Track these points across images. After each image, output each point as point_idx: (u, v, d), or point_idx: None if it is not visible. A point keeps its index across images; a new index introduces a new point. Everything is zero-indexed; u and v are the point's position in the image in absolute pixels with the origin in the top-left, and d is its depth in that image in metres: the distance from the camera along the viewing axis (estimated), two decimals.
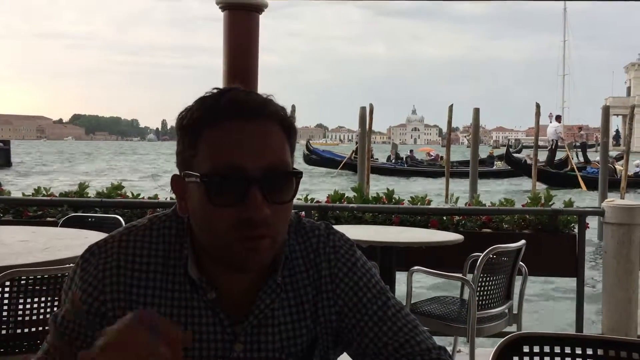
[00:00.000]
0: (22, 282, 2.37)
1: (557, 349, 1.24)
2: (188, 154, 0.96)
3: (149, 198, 4.95)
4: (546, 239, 4.42)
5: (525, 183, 22.46)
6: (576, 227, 4.41)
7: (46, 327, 2.37)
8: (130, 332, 0.76)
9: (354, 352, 1.07)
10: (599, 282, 5.15)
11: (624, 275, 4.09)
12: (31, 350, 2.41)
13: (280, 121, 0.97)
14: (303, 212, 4.31)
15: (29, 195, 4.83)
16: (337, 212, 4.59)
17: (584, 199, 15.84)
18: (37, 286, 2.40)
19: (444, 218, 4.55)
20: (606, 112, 16.25)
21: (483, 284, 3.18)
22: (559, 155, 23.86)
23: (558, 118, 23.81)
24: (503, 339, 1.25)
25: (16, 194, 5.18)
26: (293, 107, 11.32)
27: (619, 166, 21.14)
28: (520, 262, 3.34)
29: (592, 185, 17.01)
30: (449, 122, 20.68)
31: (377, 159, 30.43)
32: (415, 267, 3.38)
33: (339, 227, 1.15)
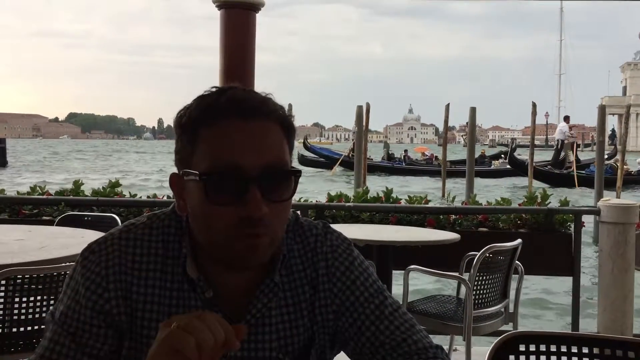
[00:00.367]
0: (18, 281, 2.37)
1: (553, 348, 1.24)
2: (186, 153, 0.96)
3: (147, 197, 4.94)
4: (542, 238, 4.43)
5: (526, 182, 22.60)
6: (572, 226, 4.42)
7: (43, 326, 2.37)
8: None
9: (351, 351, 1.07)
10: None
11: (619, 274, 4.10)
12: (27, 349, 2.41)
13: (279, 120, 0.97)
14: (300, 211, 4.31)
15: (25, 194, 4.81)
16: (333, 212, 4.59)
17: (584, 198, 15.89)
18: (33, 285, 2.40)
19: (441, 217, 4.55)
20: (602, 111, 16.30)
21: (479, 282, 3.19)
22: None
23: (566, 119, 23.92)
24: (499, 338, 1.25)
25: (11, 192, 5.17)
26: (290, 106, 11.34)
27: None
28: (517, 261, 3.35)
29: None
30: (446, 121, 20.71)
31: (371, 158, 30.50)
32: (412, 266, 3.39)
33: (335, 227, 1.15)
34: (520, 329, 3.05)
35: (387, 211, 4.56)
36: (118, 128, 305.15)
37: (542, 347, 1.24)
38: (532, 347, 1.24)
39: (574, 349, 1.24)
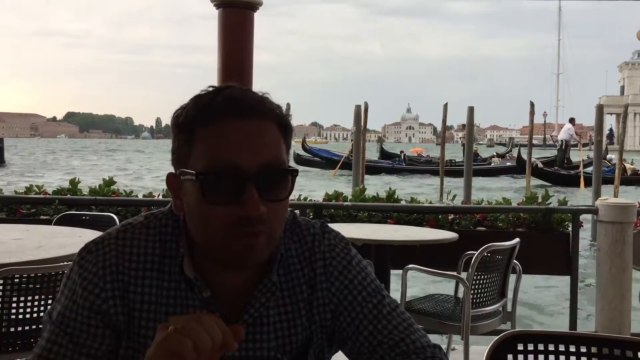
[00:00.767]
0: (16, 280, 2.37)
1: (551, 347, 1.24)
2: (183, 152, 0.96)
3: (144, 196, 4.94)
4: (540, 237, 4.43)
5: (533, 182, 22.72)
6: (570, 225, 4.43)
7: (40, 326, 2.37)
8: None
9: (349, 351, 1.07)
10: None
11: (617, 273, 4.11)
12: (25, 349, 2.41)
13: (276, 119, 0.97)
14: (298, 211, 4.31)
15: (22, 193, 4.81)
16: (332, 211, 4.59)
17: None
18: (31, 284, 2.39)
19: (439, 216, 4.56)
20: (600, 111, 16.32)
21: (477, 282, 3.19)
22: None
23: (572, 120, 24.03)
24: (497, 337, 1.25)
25: (9, 191, 5.16)
26: (288, 105, 11.30)
27: (628, 164, 21.29)
28: (515, 260, 3.35)
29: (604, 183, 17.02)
30: (444, 121, 20.73)
31: (375, 160, 30.60)
32: (410, 265, 3.39)
33: (334, 226, 1.15)
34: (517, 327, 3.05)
35: (385, 210, 4.56)
36: (116, 127, 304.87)
37: (541, 346, 1.24)
38: (531, 346, 1.24)
39: (572, 348, 1.24)
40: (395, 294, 2.40)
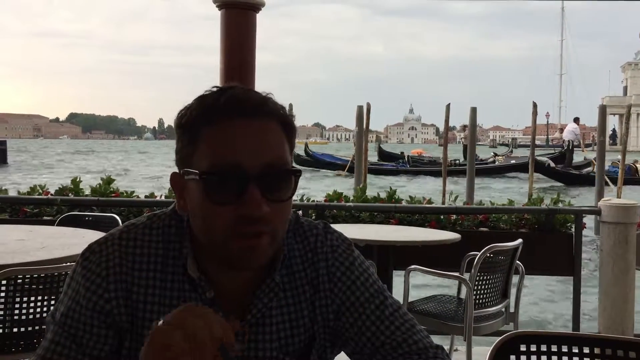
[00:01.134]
0: (19, 281, 2.37)
1: (553, 348, 1.24)
2: (187, 152, 0.97)
3: (146, 197, 4.94)
4: (543, 238, 4.43)
5: (544, 181, 22.73)
6: (573, 226, 4.42)
7: (43, 326, 2.37)
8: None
9: (352, 351, 1.07)
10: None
11: (620, 274, 4.10)
12: (28, 349, 2.41)
13: (279, 119, 0.97)
14: (300, 211, 4.31)
15: (25, 194, 4.81)
16: (334, 212, 4.59)
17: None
18: (33, 285, 2.40)
19: (442, 217, 4.55)
20: (603, 111, 16.26)
21: (480, 282, 3.19)
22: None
23: (576, 120, 23.98)
24: (500, 338, 1.25)
25: (13, 192, 5.17)
26: (290, 105, 11.33)
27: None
28: (517, 261, 3.35)
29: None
30: (446, 121, 20.65)
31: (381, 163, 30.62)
32: (413, 266, 3.39)
33: (336, 227, 1.15)
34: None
35: (387, 211, 4.56)
36: (119, 128, 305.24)
37: (543, 347, 1.24)
38: (533, 347, 1.24)
39: (575, 349, 1.24)
40: (397, 294, 2.40)
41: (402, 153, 33.37)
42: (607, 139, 21.09)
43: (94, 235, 2.61)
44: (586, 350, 1.24)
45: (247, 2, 3.63)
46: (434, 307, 3.36)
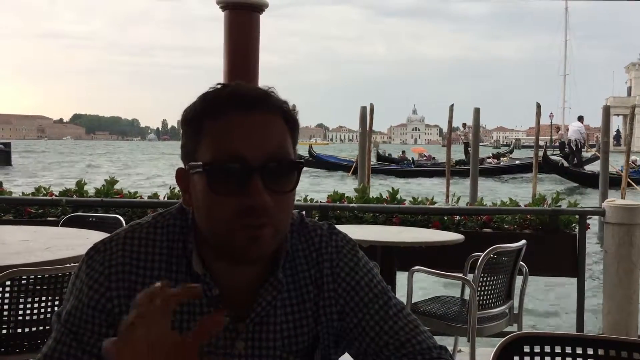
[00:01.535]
0: (23, 281, 2.38)
1: (557, 349, 1.24)
2: (191, 146, 0.98)
3: (149, 197, 4.95)
4: (547, 239, 4.42)
5: (559, 181, 22.72)
6: (577, 227, 4.41)
7: (47, 327, 2.38)
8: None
9: (355, 352, 1.08)
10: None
11: (624, 275, 4.09)
12: (32, 350, 2.42)
13: (281, 113, 0.99)
14: (304, 212, 4.30)
15: (30, 195, 4.83)
16: (338, 212, 4.59)
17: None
18: (37, 286, 2.40)
19: (445, 218, 4.55)
20: (607, 112, 16.24)
21: (484, 283, 3.18)
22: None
23: (580, 118, 23.88)
24: (504, 339, 1.25)
25: (17, 193, 5.18)
26: (293, 106, 11.30)
27: None
28: (521, 262, 3.34)
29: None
30: (450, 122, 20.66)
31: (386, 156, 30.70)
32: (416, 267, 3.38)
33: (339, 227, 1.15)
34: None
35: (391, 212, 4.55)
36: (122, 129, 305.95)
37: (547, 348, 1.24)
38: (537, 348, 1.24)
39: (579, 350, 1.24)
40: (401, 295, 2.39)
41: (403, 152, 33.36)
42: (611, 139, 21.03)
43: (98, 236, 2.62)
44: (590, 351, 1.24)
45: (250, 3, 3.63)
46: (437, 308, 3.35)
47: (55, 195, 4.77)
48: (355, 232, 3.50)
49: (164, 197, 4.89)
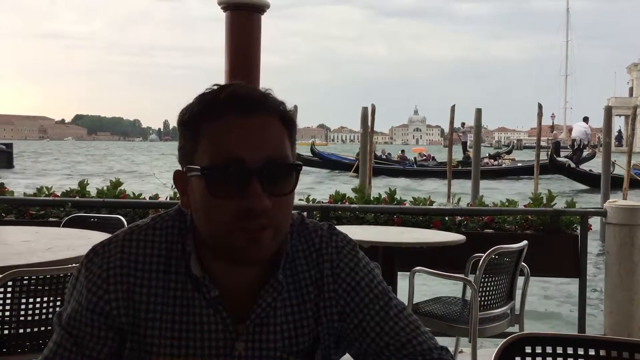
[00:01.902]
0: (25, 282, 2.38)
1: (559, 350, 1.24)
2: (189, 149, 0.98)
3: (150, 198, 4.96)
4: (548, 240, 4.41)
5: (567, 183, 22.71)
6: (578, 227, 4.40)
7: (49, 327, 2.38)
8: None
9: (356, 353, 1.07)
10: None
11: (626, 275, 4.08)
12: (34, 350, 2.42)
13: (279, 114, 0.98)
14: (305, 212, 4.30)
15: (31, 195, 4.83)
16: (338, 213, 4.59)
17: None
18: (39, 286, 2.40)
19: (446, 218, 4.54)
20: (608, 112, 16.23)
21: (485, 284, 3.18)
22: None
23: (586, 119, 23.87)
24: (505, 340, 1.25)
25: (18, 193, 5.19)
26: (295, 107, 11.25)
27: None
28: (523, 263, 3.34)
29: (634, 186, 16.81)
30: (451, 123, 20.66)
31: (385, 156, 30.70)
32: (417, 268, 3.38)
33: (340, 228, 1.15)
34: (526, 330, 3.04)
35: (392, 212, 4.55)
36: (124, 130, 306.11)
37: (549, 349, 1.24)
38: (539, 349, 1.24)
39: (580, 351, 1.24)
40: (402, 296, 2.39)
41: (402, 152, 33.39)
42: (613, 140, 21.00)
43: (100, 237, 2.62)
44: (591, 352, 1.24)
45: (251, 4, 3.64)
46: (438, 309, 3.35)
47: (57, 196, 4.78)
48: (356, 232, 3.49)
49: (166, 198, 4.89)
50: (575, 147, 23.42)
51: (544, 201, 4.79)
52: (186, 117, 0.98)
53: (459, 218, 4.56)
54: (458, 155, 30.39)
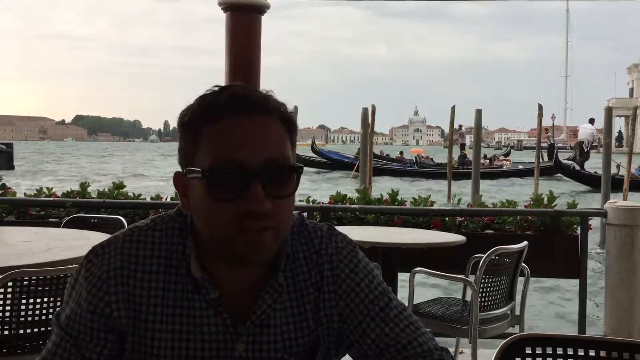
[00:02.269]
0: (25, 282, 2.38)
1: (559, 351, 1.24)
2: (189, 151, 0.97)
3: (151, 199, 4.96)
4: (549, 240, 4.41)
5: (567, 184, 22.73)
6: (579, 228, 4.40)
7: (49, 328, 2.38)
8: None
9: (356, 354, 1.07)
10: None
11: (626, 276, 4.08)
12: (34, 351, 2.42)
13: (279, 116, 0.98)
14: (305, 213, 4.30)
15: (32, 196, 4.83)
16: (339, 213, 4.59)
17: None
18: (39, 287, 2.40)
19: (446, 219, 4.54)
20: (609, 113, 16.25)
21: (485, 285, 3.18)
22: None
23: (591, 121, 23.93)
24: (505, 340, 1.24)
25: (19, 194, 5.19)
26: (295, 108, 11.22)
27: None
28: (523, 264, 3.34)
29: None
30: (451, 123, 20.70)
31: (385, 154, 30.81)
32: (417, 268, 3.38)
33: (341, 228, 1.15)
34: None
35: (392, 213, 4.55)
36: (124, 130, 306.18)
37: (549, 350, 1.24)
38: (539, 350, 1.24)
39: (581, 352, 1.24)
40: (402, 297, 2.39)
41: (401, 153, 33.41)
42: (613, 140, 21.00)
43: (100, 237, 2.62)
44: (592, 353, 1.23)
45: (252, 4, 3.63)
46: (439, 310, 3.35)
47: (58, 197, 4.78)
48: (357, 233, 3.49)
49: (167, 199, 4.89)
50: (585, 149, 23.44)
51: (545, 202, 4.79)
52: (186, 119, 0.98)
53: (459, 219, 4.56)
54: (457, 155, 30.40)
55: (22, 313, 2.41)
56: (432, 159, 32.89)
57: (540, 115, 18.18)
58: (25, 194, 5.00)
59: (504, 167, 29.34)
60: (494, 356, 1.23)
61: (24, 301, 2.40)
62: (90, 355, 0.99)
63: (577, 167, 22.48)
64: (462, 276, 3.46)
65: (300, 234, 1.09)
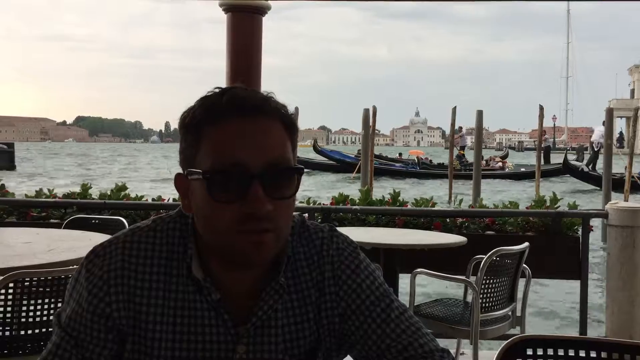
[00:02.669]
0: (26, 283, 2.38)
1: (560, 352, 1.23)
2: (190, 152, 0.98)
3: (153, 200, 4.96)
4: (550, 242, 4.41)
5: (571, 184, 22.71)
6: (580, 229, 4.40)
7: (50, 329, 2.38)
8: None
9: (357, 355, 1.07)
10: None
11: (627, 277, 4.08)
12: (35, 352, 2.42)
13: (281, 118, 0.98)
14: (306, 214, 4.30)
15: (33, 197, 4.84)
16: (340, 214, 4.59)
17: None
18: (40, 288, 2.40)
19: (447, 220, 4.54)
20: (610, 114, 16.24)
21: (486, 286, 3.17)
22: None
23: (604, 123, 24.06)
24: (506, 342, 1.24)
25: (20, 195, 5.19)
26: (296, 109, 11.29)
27: None
28: (524, 265, 3.34)
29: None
30: (452, 125, 20.68)
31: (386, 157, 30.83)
32: (419, 269, 3.38)
33: (342, 229, 1.15)
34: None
35: (393, 214, 4.55)
36: (125, 131, 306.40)
37: (550, 351, 1.23)
38: (540, 351, 1.24)
39: (582, 353, 1.23)
40: (403, 298, 2.39)
41: (400, 154, 33.42)
42: (614, 141, 21.02)
43: (101, 238, 2.62)
44: (593, 354, 1.23)
45: (253, 5, 3.64)
46: (440, 311, 3.35)
47: (59, 198, 4.78)
48: (358, 234, 3.49)
49: (168, 200, 4.90)
50: (595, 149, 23.62)
51: (547, 203, 4.79)
52: (187, 121, 0.98)
53: (460, 220, 4.56)
54: (455, 156, 30.38)
55: (24, 314, 2.41)
56: (431, 160, 32.88)
57: (541, 116, 18.16)
58: (26, 195, 5.01)
59: (507, 170, 29.31)
60: (495, 357, 1.23)
61: (25, 302, 2.40)
62: (91, 356, 0.99)
63: (587, 170, 22.56)
64: (463, 277, 3.46)
65: (301, 235, 1.09)
